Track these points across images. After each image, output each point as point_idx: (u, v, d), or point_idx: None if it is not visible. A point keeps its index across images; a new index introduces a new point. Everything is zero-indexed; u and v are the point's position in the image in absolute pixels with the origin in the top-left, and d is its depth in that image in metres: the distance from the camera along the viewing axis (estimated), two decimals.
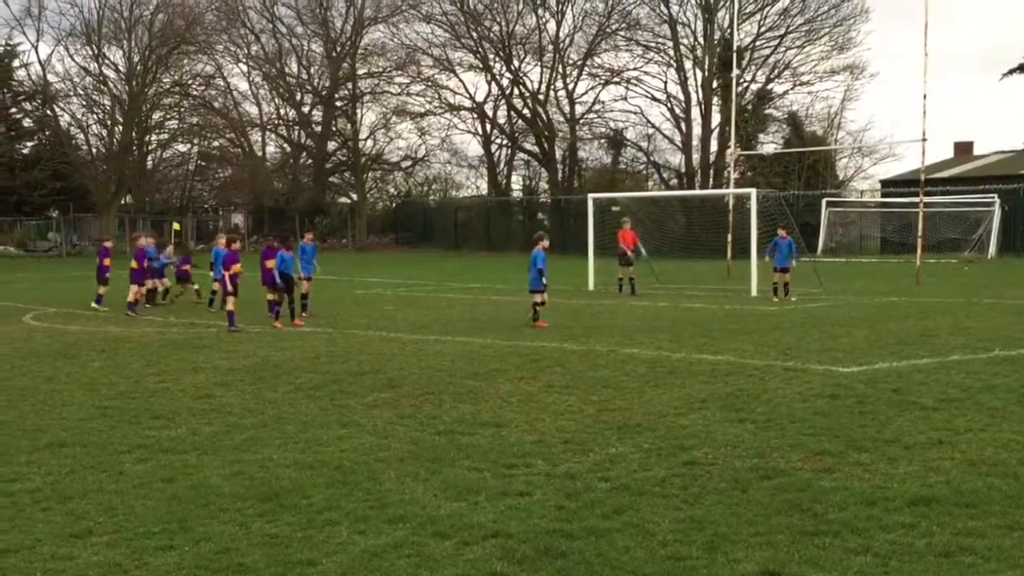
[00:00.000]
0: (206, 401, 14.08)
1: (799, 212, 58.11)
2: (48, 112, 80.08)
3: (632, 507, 8.74)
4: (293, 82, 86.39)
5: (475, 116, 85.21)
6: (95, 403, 13.99)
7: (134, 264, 27.80)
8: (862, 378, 15.05)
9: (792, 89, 78.01)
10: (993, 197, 59.08)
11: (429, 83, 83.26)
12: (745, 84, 74.29)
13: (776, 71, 77.18)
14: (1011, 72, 78.63)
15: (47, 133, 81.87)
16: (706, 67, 76.50)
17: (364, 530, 8.26)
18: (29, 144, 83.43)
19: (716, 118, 76.70)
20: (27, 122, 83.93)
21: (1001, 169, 69.20)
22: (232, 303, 23.22)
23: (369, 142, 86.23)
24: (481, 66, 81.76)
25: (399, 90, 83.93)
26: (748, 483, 9.40)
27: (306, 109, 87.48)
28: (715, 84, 76.06)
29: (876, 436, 11.16)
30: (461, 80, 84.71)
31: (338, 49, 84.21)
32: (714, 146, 77.39)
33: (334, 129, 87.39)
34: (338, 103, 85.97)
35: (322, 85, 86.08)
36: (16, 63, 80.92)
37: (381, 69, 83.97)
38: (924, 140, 38.56)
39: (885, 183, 75.75)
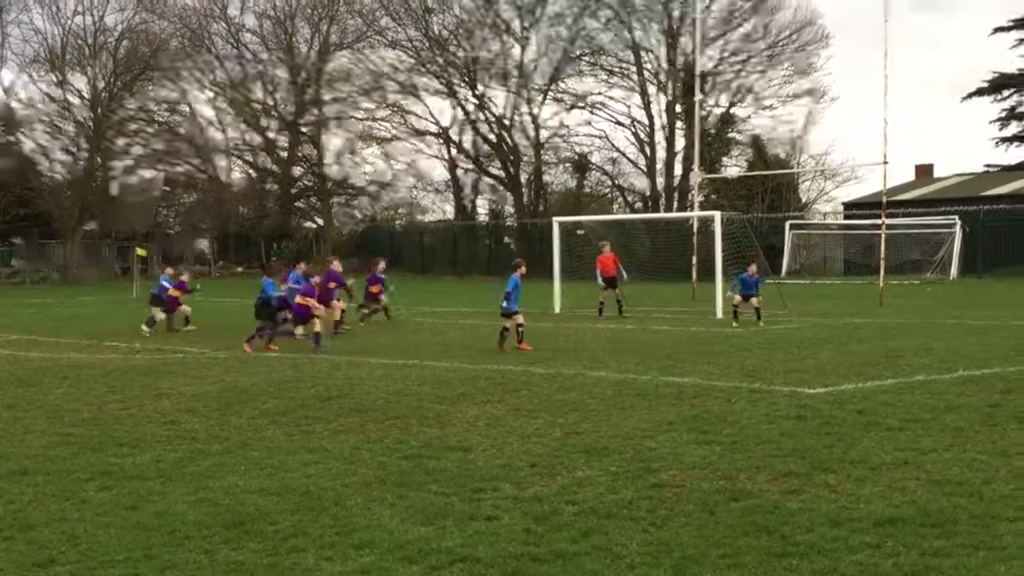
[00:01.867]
0: (171, 427, 13.94)
1: (763, 234, 58.56)
2: (12, 138, 79.52)
3: (600, 530, 8.70)
4: (258, 108, 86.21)
5: (441, 141, 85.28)
6: (58, 430, 13.83)
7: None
8: (828, 399, 15.06)
9: (755, 113, 78.57)
10: (954, 219, 59.66)
11: (395, 108, 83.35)
12: (708, 108, 74.67)
13: (739, 95, 77.67)
14: (971, 96, 79.52)
15: (10, 159, 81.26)
16: (669, 92, 76.99)
17: (331, 556, 8.19)
18: None
19: (680, 142, 77.11)
20: None
21: (961, 191, 69.85)
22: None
23: (335, 167, 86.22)
24: (447, 91, 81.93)
25: (364, 115, 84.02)
26: (715, 505, 9.38)
27: (271, 135, 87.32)
28: (678, 108, 76.50)
29: (842, 457, 11.16)
30: (427, 105, 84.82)
31: (303, 75, 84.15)
32: (678, 169, 77.74)
33: (299, 154, 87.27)
34: (303, 128, 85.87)
35: (287, 111, 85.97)
36: None
37: (346, 94, 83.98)
38: (885, 163, 38.85)
39: (848, 205, 76.33)
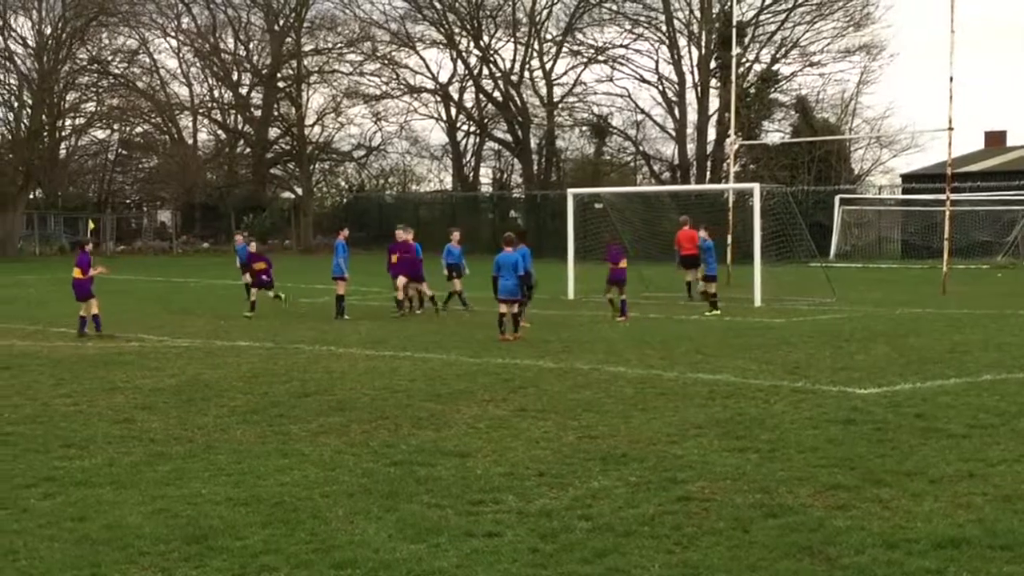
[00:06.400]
0: (125, 426, 13.95)
1: (809, 210, 58.39)
2: None
3: (617, 550, 8.69)
4: (229, 59, 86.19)
5: (438, 99, 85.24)
6: None
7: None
8: (881, 401, 15.06)
9: (801, 71, 78.46)
10: None
11: (386, 61, 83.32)
12: (747, 64, 74.57)
13: (783, 50, 77.48)
14: None
15: None
16: (703, 44, 76.74)
17: None
18: None
19: (714, 103, 77.06)
20: None
21: None
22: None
23: (316, 128, 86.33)
24: (446, 42, 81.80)
25: (351, 69, 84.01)
26: (750, 522, 9.37)
27: (244, 90, 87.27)
28: (713, 64, 76.32)
29: (897, 468, 11.15)
30: (422, 58, 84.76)
31: (281, 22, 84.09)
32: (712, 135, 77.67)
33: (276, 113, 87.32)
34: (281, 84, 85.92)
35: (262, 63, 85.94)
36: None
37: (330, 45, 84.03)
38: (951, 129, 38.72)
39: (907, 178, 76.14)
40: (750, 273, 32.73)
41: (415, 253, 29.82)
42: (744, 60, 71.53)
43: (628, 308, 27.08)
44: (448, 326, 26.28)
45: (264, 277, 29.54)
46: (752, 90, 75.15)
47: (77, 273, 24.79)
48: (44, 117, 77.22)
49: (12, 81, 77.73)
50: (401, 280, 29.20)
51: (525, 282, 23.94)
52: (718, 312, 28.28)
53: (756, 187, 35.26)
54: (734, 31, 47.72)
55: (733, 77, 47.67)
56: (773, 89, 78.29)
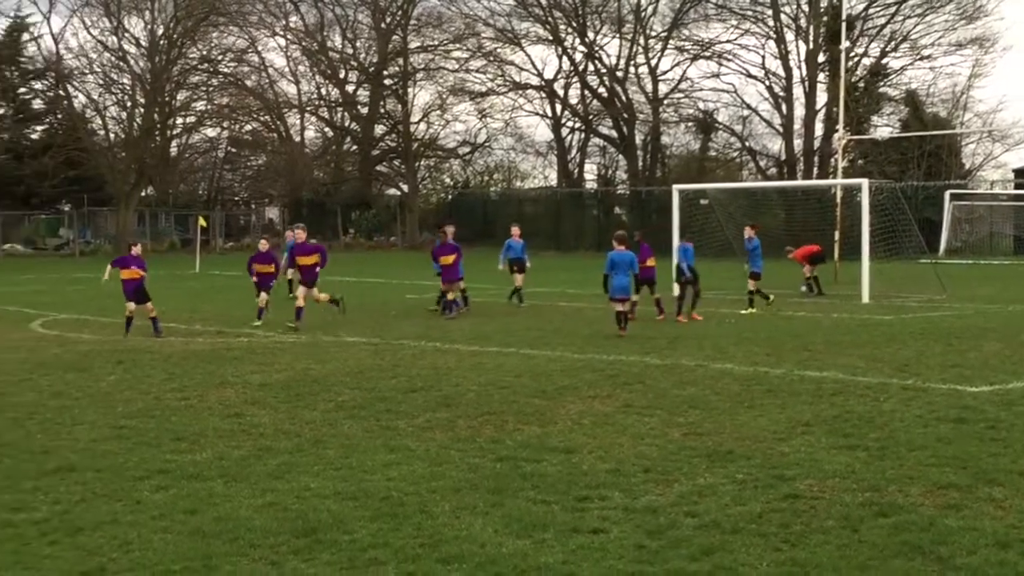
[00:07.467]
0: (235, 421, 14.14)
1: (918, 206, 57.63)
2: (61, 92, 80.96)
3: (724, 547, 8.64)
4: (336, 57, 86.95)
5: (543, 96, 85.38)
6: (109, 422, 14.11)
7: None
8: (993, 399, 14.83)
9: (911, 64, 77.41)
10: None
11: (491, 58, 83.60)
12: (856, 58, 73.72)
13: (892, 43, 76.48)
14: None
15: (59, 116, 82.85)
16: (811, 39, 76.01)
17: (414, 571, 8.25)
18: (39, 128, 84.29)
19: (822, 98, 76.33)
20: (37, 103, 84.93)
21: None
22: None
23: (422, 125, 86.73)
24: (551, 38, 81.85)
25: (457, 66, 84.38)
26: (860, 521, 9.27)
27: (351, 88, 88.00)
28: (821, 58, 75.62)
29: (1010, 467, 10.98)
30: (528, 55, 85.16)
31: (388, 20, 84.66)
32: (819, 130, 76.95)
33: (382, 111, 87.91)
34: (387, 81, 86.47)
35: (369, 61, 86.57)
36: (26, 37, 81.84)
37: (436, 42, 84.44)
38: None
39: (1019, 172, 74.82)
40: (858, 269, 32.39)
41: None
42: (853, 54, 70.71)
43: (664, 304, 26.75)
44: (552, 322, 26.27)
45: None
46: (861, 84, 74.34)
47: (135, 273, 24.29)
48: (156, 116, 78.33)
49: (125, 81, 78.94)
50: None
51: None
52: (754, 310, 28.05)
53: (864, 182, 34.87)
54: (843, 25, 47.08)
55: (842, 71, 46.98)
56: (882, 83, 77.44)
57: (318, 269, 26.45)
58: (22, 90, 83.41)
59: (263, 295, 26.69)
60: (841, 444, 12.17)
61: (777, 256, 35.20)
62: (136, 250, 25.26)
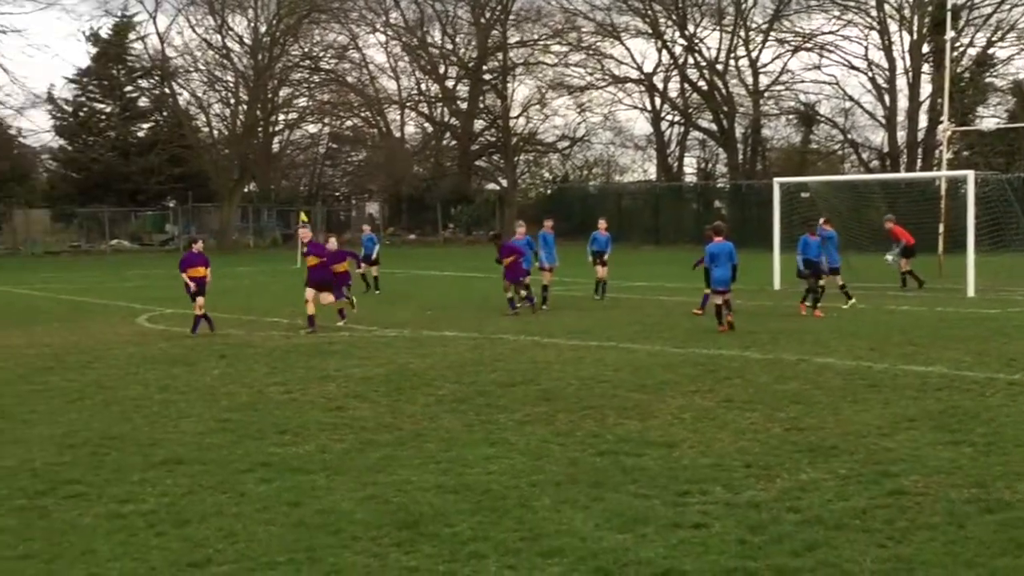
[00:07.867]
0: (337, 414, 14.27)
1: None
2: (166, 90, 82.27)
3: (827, 543, 8.56)
4: (436, 53, 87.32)
5: (643, 89, 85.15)
6: (214, 415, 14.31)
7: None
8: None
9: (1018, 54, 76.15)
10: None
11: (590, 52, 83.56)
12: (961, 48, 72.49)
13: (999, 33, 75.10)
14: None
15: (164, 113, 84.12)
16: (915, 29, 75.01)
17: (515, 564, 8.26)
18: (145, 126, 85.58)
19: (926, 89, 75.23)
20: (143, 101, 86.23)
21: None
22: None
23: (521, 120, 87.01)
24: (651, 32, 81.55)
25: (556, 60, 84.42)
26: (966, 517, 9.15)
27: (450, 83, 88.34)
28: (925, 48, 74.55)
29: None
30: (627, 48, 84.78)
31: (487, 15, 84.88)
32: (923, 121, 75.89)
33: (482, 106, 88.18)
34: (487, 76, 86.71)
35: (469, 56, 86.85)
36: (132, 36, 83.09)
37: (536, 37, 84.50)
38: None
39: None
40: (963, 263, 31.92)
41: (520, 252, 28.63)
42: (958, 44, 69.58)
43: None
44: (652, 316, 26.18)
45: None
46: (966, 75, 73.17)
47: (201, 271, 24.31)
48: (258, 113, 79.36)
49: (229, 78, 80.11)
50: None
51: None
52: (854, 301, 27.71)
53: (970, 174, 34.40)
54: (948, 14, 46.39)
55: (947, 62, 46.35)
56: (988, 73, 76.13)
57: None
58: (128, 88, 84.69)
59: (334, 297, 25.41)
60: (947, 439, 12.00)
61: (880, 251, 34.83)
62: (198, 247, 25.51)
